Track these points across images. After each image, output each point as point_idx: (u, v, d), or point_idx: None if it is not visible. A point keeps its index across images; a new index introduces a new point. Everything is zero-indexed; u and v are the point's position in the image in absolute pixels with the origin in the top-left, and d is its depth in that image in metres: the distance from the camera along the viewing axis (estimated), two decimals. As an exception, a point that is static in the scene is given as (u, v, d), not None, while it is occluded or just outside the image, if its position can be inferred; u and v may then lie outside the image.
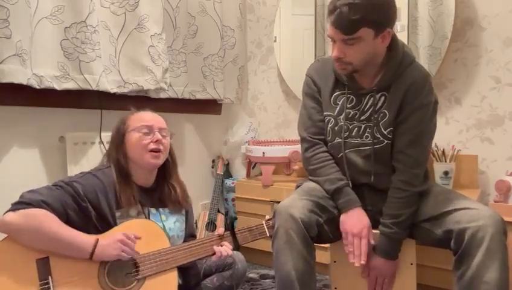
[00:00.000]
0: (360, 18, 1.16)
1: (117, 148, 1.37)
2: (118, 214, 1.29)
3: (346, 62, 1.26)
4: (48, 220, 1.13)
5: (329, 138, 1.40)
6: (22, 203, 1.14)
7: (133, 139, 1.35)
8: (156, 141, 1.34)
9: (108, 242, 1.19)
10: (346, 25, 1.18)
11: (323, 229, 1.29)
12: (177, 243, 1.41)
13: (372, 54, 1.26)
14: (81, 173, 1.32)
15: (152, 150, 1.34)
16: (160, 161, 1.38)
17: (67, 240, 1.15)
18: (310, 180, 1.43)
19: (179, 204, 1.44)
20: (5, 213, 1.14)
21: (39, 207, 1.14)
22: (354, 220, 1.30)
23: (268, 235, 1.42)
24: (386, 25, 1.22)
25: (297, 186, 1.48)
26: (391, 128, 1.31)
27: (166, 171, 1.44)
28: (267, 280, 2.00)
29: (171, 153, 1.46)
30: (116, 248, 1.18)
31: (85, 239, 1.17)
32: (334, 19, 1.20)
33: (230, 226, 1.44)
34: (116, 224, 1.27)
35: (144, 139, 1.34)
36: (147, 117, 1.39)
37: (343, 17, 1.17)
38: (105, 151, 1.47)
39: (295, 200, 1.28)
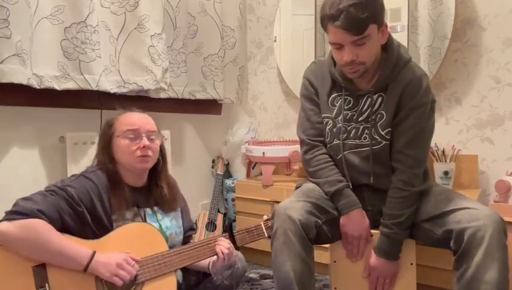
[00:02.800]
0: (368, 15, 1.16)
1: (103, 152, 1.34)
2: (114, 217, 1.27)
3: (358, 63, 1.24)
4: (44, 231, 1.11)
5: (327, 140, 1.40)
6: (17, 213, 1.11)
7: (121, 146, 1.31)
8: (144, 147, 1.30)
9: (106, 260, 1.16)
10: (357, 25, 1.17)
11: (322, 230, 1.30)
12: (176, 239, 1.41)
13: (377, 51, 1.27)
14: (73, 175, 1.29)
15: (139, 156, 1.30)
16: (150, 164, 1.35)
17: (63, 252, 1.13)
18: (310, 181, 1.43)
19: (170, 203, 1.42)
20: None
21: (35, 217, 1.11)
22: (355, 223, 1.31)
23: (266, 236, 1.42)
24: (383, 17, 1.23)
25: (297, 187, 1.49)
26: (389, 129, 1.31)
27: (157, 172, 1.42)
28: (267, 280, 2.00)
29: (162, 153, 1.43)
30: (109, 270, 1.15)
31: (81, 251, 1.15)
32: (342, 22, 1.17)
33: (228, 227, 1.43)
34: (112, 226, 1.26)
35: (131, 145, 1.30)
36: (133, 120, 1.33)
37: (352, 18, 1.16)
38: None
39: (293, 201, 1.29)
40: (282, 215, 1.24)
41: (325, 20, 1.22)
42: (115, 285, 1.19)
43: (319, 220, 1.29)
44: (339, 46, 1.23)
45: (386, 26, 1.25)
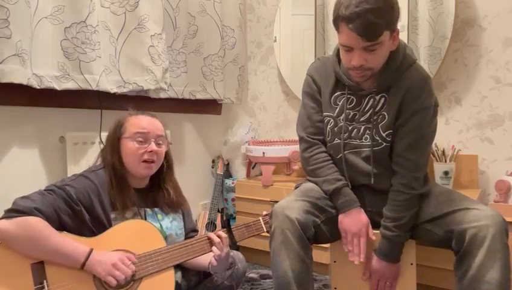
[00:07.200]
0: (384, 22, 1.14)
1: (112, 152, 1.35)
2: (113, 216, 1.28)
3: (366, 68, 1.22)
4: (41, 229, 1.12)
5: (328, 139, 1.39)
6: (15, 211, 1.13)
7: (128, 147, 1.33)
8: (151, 151, 1.33)
9: (102, 259, 1.17)
10: (372, 31, 1.14)
11: (320, 229, 1.29)
12: (176, 241, 1.40)
13: (386, 56, 1.25)
14: (73, 175, 1.31)
15: (145, 161, 1.33)
16: (153, 171, 1.37)
17: (60, 249, 1.14)
18: (309, 180, 1.43)
19: (173, 206, 1.43)
20: None
21: (32, 215, 1.13)
22: (353, 220, 1.30)
23: (265, 230, 1.42)
24: (396, 24, 1.21)
25: (296, 187, 1.48)
26: (390, 131, 1.30)
27: (161, 175, 1.43)
28: (267, 280, 2.00)
29: (167, 158, 1.45)
30: (105, 269, 1.16)
31: (78, 248, 1.16)
32: (357, 26, 1.13)
33: (226, 223, 1.43)
34: (111, 226, 1.26)
35: (138, 149, 1.32)
36: (144, 123, 1.36)
37: (369, 24, 1.12)
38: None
39: (291, 201, 1.28)
40: (280, 215, 1.23)
41: (339, 20, 1.18)
42: None
43: (317, 219, 1.28)
44: (348, 49, 1.21)
45: (398, 32, 1.23)
